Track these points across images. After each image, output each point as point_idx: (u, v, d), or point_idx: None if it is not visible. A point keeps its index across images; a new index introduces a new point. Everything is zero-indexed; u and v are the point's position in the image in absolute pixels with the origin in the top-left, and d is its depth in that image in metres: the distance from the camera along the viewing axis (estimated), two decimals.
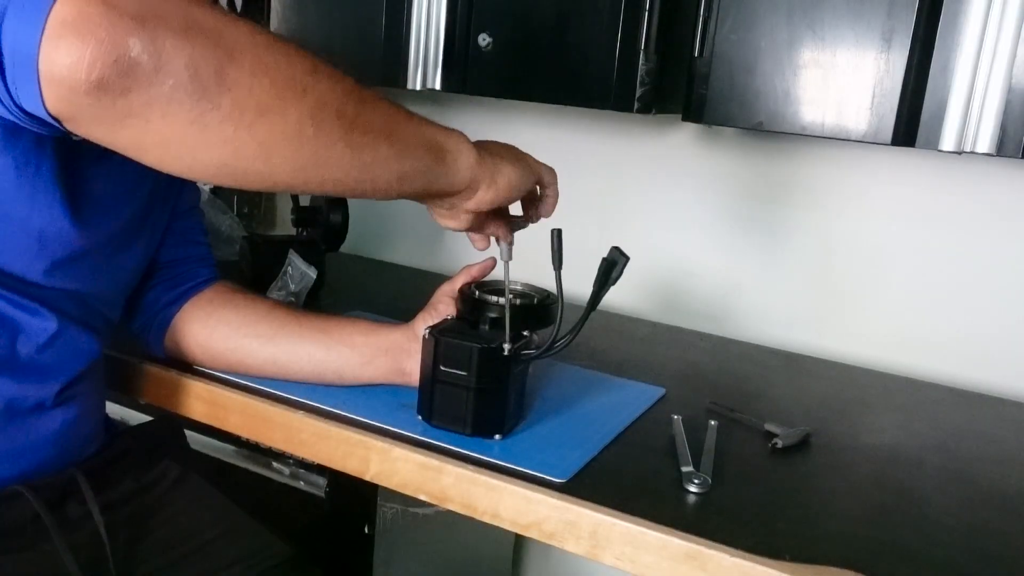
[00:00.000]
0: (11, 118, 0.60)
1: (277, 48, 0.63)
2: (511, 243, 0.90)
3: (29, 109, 0.58)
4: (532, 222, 0.92)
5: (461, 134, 0.79)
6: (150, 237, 0.94)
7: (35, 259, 0.77)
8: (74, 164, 0.76)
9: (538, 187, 0.88)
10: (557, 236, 0.87)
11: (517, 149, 0.85)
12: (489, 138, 0.84)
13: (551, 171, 0.88)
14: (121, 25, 0.55)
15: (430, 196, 0.79)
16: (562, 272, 0.87)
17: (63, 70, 0.55)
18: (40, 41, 0.54)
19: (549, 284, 0.93)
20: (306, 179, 0.67)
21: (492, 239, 0.90)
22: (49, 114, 0.58)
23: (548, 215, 0.90)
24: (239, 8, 1.53)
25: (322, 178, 0.68)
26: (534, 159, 0.86)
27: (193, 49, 0.57)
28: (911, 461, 0.95)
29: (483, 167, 0.79)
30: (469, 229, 0.86)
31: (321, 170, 0.67)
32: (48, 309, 0.81)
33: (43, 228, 0.76)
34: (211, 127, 0.59)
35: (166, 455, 0.99)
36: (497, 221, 0.89)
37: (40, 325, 0.80)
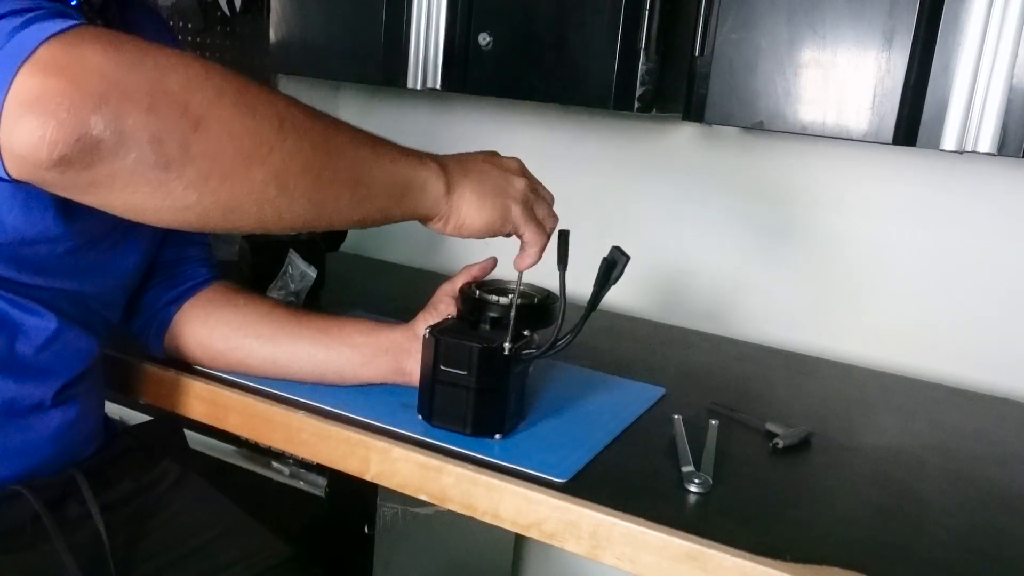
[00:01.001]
0: None
1: (245, 106, 0.62)
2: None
3: None
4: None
5: (433, 163, 0.78)
6: (150, 237, 0.94)
7: (30, 258, 0.77)
8: None
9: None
10: (564, 238, 0.86)
11: (509, 187, 0.82)
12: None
13: (537, 229, 0.84)
14: (84, 104, 0.54)
15: (397, 221, 0.79)
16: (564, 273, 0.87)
17: (24, 148, 0.54)
18: (0, 117, 0.53)
19: (549, 284, 0.93)
20: (267, 228, 0.68)
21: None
22: (12, 180, 0.57)
23: (519, 268, 0.86)
24: (238, 8, 1.53)
25: (282, 227, 0.69)
26: (523, 211, 0.83)
27: (158, 123, 0.57)
28: (911, 461, 0.95)
29: (451, 201, 0.78)
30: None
31: (282, 222, 0.68)
32: (47, 309, 0.80)
33: (37, 226, 0.75)
34: (175, 194, 0.60)
35: (165, 455, 0.99)
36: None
37: (39, 325, 0.80)
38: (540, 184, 0.88)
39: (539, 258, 0.86)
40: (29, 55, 0.53)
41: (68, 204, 0.76)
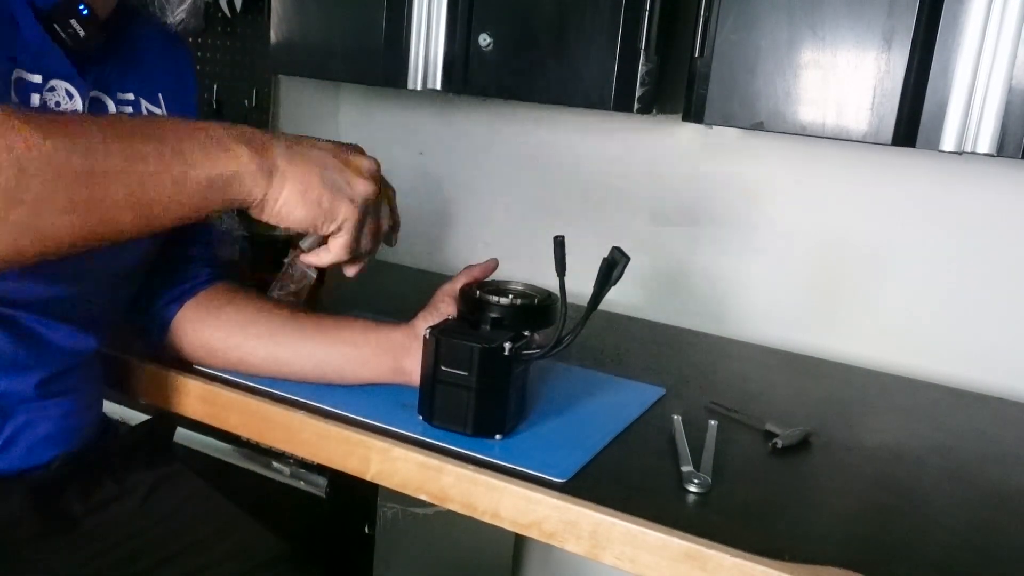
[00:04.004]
0: None
1: None
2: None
3: None
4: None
5: (247, 149, 0.72)
6: (150, 238, 0.94)
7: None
8: None
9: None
10: (559, 244, 0.86)
11: (346, 186, 0.78)
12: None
13: (348, 242, 0.79)
14: None
15: (215, 213, 0.74)
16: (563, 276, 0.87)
17: None
18: None
19: (550, 285, 0.93)
20: (46, 257, 0.66)
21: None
22: None
23: (305, 261, 0.82)
24: (239, 8, 1.53)
25: (64, 252, 0.66)
26: (353, 215, 0.78)
27: None
28: (911, 461, 0.96)
29: (269, 189, 0.74)
30: None
31: (63, 250, 0.66)
32: (39, 307, 0.81)
33: None
34: None
35: (160, 453, 0.99)
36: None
37: (32, 321, 0.80)
38: (392, 197, 0.84)
39: (327, 264, 0.82)
40: None
41: None
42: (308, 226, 0.77)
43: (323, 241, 0.81)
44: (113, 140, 0.66)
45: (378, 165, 0.82)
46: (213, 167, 0.70)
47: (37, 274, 0.79)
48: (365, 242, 0.82)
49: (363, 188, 0.79)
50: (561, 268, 0.87)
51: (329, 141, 0.81)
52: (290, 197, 0.75)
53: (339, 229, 0.79)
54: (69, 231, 0.65)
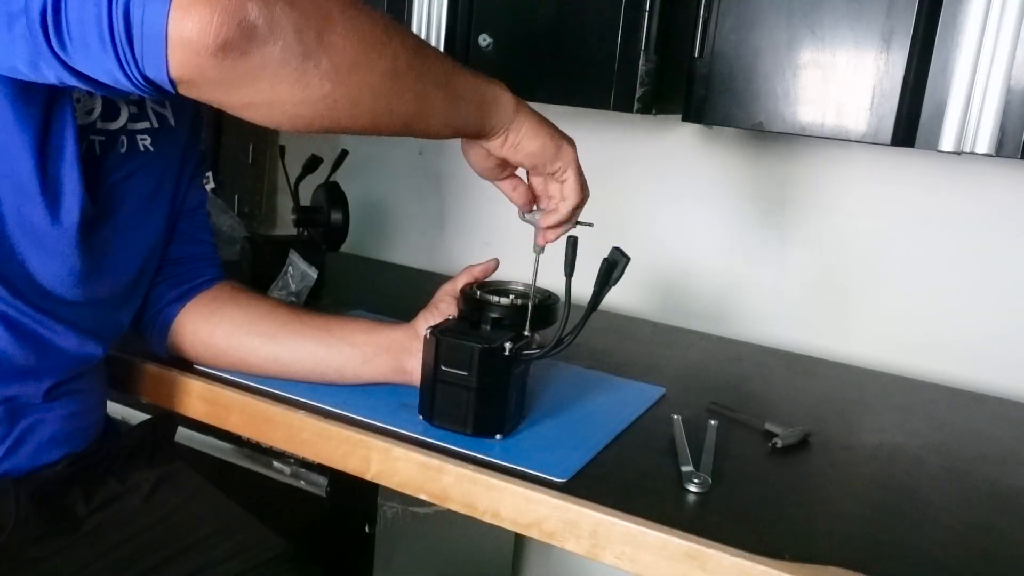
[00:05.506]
0: (128, 86, 0.63)
1: (359, 10, 0.69)
2: (532, 211, 0.92)
3: (151, 76, 0.62)
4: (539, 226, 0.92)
5: (501, 85, 0.83)
6: (156, 234, 0.94)
7: (40, 270, 0.79)
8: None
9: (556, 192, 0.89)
10: (572, 244, 0.87)
11: (564, 139, 0.88)
12: None
13: (581, 181, 0.89)
14: None
15: (469, 136, 0.85)
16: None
17: (192, 34, 0.59)
18: (169, 11, 0.59)
19: (551, 286, 0.94)
20: (379, 125, 0.74)
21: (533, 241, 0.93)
22: (170, 79, 0.62)
23: (542, 225, 0.90)
24: None
25: (391, 124, 0.75)
26: (575, 157, 0.88)
27: (298, 15, 0.63)
28: (910, 461, 0.96)
29: (515, 121, 0.84)
30: (494, 177, 0.91)
31: (393, 117, 0.74)
32: (48, 312, 0.81)
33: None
34: (312, 85, 0.66)
35: (161, 453, 0.99)
36: (515, 180, 0.92)
37: (39, 327, 0.81)
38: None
39: (567, 220, 0.90)
40: None
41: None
42: (538, 159, 0.86)
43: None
44: (416, 36, 0.77)
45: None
46: (486, 82, 0.81)
47: (52, 280, 0.80)
48: (587, 190, 0.90)
49: (572, 146, 0.88)
50: (570, 268, 0.87)
51: None
52: (528, 131, 0.84)
53: (563, 166, 0.87)
54: (410, 86, 0.73)
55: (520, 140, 0.84)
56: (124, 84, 0.63)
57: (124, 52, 0.60)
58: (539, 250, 0.91)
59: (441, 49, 1.19)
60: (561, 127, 0.88)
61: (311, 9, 0.64)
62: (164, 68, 0.61)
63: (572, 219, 0.90)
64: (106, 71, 0.62)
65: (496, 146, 0.85)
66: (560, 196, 0.89)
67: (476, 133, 0.83)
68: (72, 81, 0.64)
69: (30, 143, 0.74)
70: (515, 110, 0.83)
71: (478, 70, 0.82)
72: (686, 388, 1.10)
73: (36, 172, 0.75)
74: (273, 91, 0.65)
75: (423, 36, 1.20)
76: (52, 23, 0.60)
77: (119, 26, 0.59)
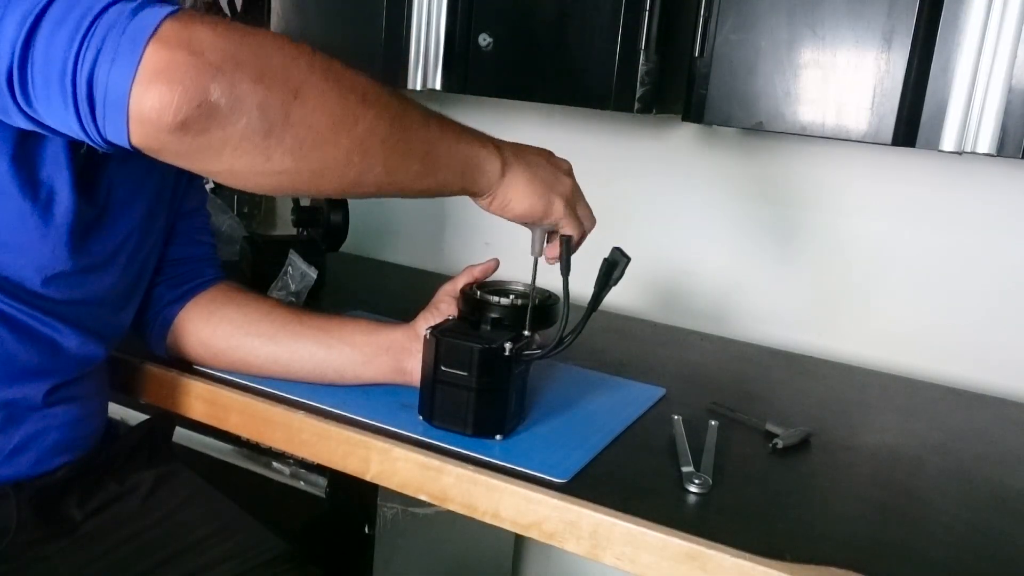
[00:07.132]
0: (92, 144, 0.64)
1: (334, 80, 0.68)
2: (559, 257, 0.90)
3: (113, 140, 0.63)
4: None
5: (491, 145, 0.82)
6: (158, 233, 0.94)
7: (35, 271, 0.79)
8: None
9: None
10: (566, 243, 0.87)
11: (557, 183, 0.86)
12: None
13: (576, 224, 0.87)
14: (204, 73, 0.60)
15: (452, 195, 0.83)
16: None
17: (152, 112, 0.60)
18: (131, 86, 0.59)
19: (550, 286, 0.93)
20: (347, 193, 0.76)
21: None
22: (131, 146, 0.62)
23: (550, 257, 0.89)
24: (239, 8, 1.53)
25: (361, 192, 0.74)
26: (566, 206, 0.86)
27: (265, 92, 0.63)
28: (911, 461, 0.96)
29: (502, 182, 0.83)
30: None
31: (362, 187, 0.73)
32: (51, 314, 0.81)
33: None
34: (274, 159, 0.65)
35: (159, 454, 0.99)
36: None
37: (42, 329, 0.80)
38: (581, 192, 0.91)
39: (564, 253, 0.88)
40: (153, 33, 0.60)
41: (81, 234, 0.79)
42: (528, 218, 0.85)
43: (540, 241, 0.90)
44: (405, 100, 0.74)
45: (571, 165, 0.90)
46: (471, 147, 0.80)
47: (57, 277, 0.79)
48: (587, 223, 0.90)
49: (567, 183, 0.87)
50: (566, 268, 0.87)
51: (531, 145, 0.89)
52: (516, 194, 0.83)
53: (556, 220, 0.86)
54: (382, 160, 0.72)
55: (508, 203, 0.83)
56: (89, 141, 0.63)
57: (86, 115, 0.61)
58: (538, 252, 0.91)
59: (441, 52, 1.19)
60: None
61: (279, 84, 0.64)
62: (125, 136, 0.61)
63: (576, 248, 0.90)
64: (70, 128, 0.63)
65: (483, 205, 0.84)
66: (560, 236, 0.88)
67: (460, 194, 0.82)
68: (42, 131, 0.65)
69: (8, 149, 0.73)
70: (501, 174, 0.82)
71: (470, 130, 0.80)
72: (687, 388, 1.10)
73: (14, 175, 0.74)
74: (235, 163, 0.65)
75: (423, 36, 1.20)
76: (18, 79, 0.61)
77: (82, 90, 0.60)
